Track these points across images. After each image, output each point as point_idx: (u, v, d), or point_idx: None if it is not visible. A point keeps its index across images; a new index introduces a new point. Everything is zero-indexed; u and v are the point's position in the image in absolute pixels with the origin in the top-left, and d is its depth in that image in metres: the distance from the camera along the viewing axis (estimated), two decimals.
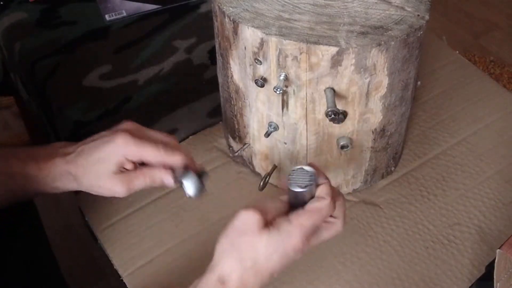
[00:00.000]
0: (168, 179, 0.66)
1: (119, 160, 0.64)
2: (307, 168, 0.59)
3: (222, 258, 0.58)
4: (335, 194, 0.60)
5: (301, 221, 0.58)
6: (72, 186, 0.67)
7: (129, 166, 0.66)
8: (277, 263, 0.58)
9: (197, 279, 0.58)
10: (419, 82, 0.78)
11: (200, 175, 0.66)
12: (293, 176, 0.59)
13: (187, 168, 0.65)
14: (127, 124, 0.67)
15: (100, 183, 0.66)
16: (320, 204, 0.59)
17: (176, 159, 0.65)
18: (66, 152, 0.66)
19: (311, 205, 0.59)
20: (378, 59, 0.64)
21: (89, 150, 0.65)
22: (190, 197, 0.66)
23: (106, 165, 0.64)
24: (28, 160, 0.66)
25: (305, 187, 0.58)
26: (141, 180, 0.66)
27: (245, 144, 0.80)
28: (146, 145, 0.64)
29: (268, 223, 0.57)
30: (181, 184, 0.65)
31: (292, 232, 0.57)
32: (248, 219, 0.57)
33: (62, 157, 0.66)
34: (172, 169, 0.66)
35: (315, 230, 0.59)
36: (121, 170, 0.66)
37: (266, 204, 0.59)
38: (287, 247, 0.57)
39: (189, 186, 0.65)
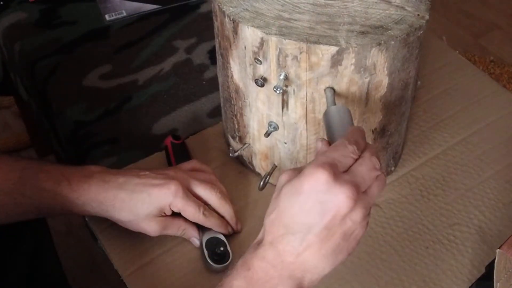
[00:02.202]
0: (195, 242, 0.72)
1: (164, 207, 0.67)
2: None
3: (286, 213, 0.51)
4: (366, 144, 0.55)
5: (322, 158, 0.50)
6: (102, 213, 0.68)
7: (168, 213, 0.69)
8: (322, 218, 0.49)
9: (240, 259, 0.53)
10: (419, 82, 0.78)
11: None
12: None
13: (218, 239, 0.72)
14: (186, 166, 0.73)
15: (137, 221, 0.67)
16: (344, 140, 0.53)
17: (208, 225, 0.70)
18: (105, 180, 0.67)
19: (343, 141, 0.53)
20: (378, 58, 0.64)
21: (135, 187, 0.66)
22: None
23: (150, 207, 0.66)
24: (60, 179, 0.66)
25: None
26: (174, 230, 0.70)
27: (245, 144, 0.80)
28: (190, 203, 0.68)
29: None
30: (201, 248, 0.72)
31: (313, 173, 0.49)
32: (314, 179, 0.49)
33: (99, 184, 0.66)
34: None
35: (344, 166, 0.51)
36: (161, 214, 0.68)
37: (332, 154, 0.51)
38: (329, 207, 0.48)
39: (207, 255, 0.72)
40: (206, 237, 0.72)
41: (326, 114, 0.62)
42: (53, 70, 0.99)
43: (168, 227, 0.69)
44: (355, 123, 0.71)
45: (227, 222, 0.73)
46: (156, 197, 0.66)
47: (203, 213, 0.69)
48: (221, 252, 0.72)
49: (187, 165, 0.75)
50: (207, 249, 0.71)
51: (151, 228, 0.69)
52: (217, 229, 0.72)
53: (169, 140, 0.83)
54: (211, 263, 0.71)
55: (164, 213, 0.69)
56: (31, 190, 0.66)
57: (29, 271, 0.84)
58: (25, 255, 0.84)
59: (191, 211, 0.68)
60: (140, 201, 0.66)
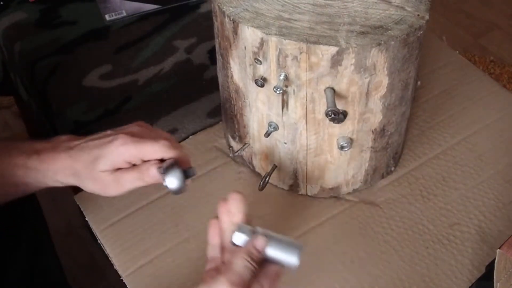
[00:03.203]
0: (152, 171, 0.65)
1: (115, 160, 0.65)
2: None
3: None
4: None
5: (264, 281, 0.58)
6: (72, 181, 0.67)
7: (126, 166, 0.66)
8: None
9: None
10: (419, 82, 0.78)
11: (186, 172, 0.65)
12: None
13: (175, 164, 0.65)
14: (133, 127, 0.68)
15: (95, 181, 0.66)
16: (278, 270, 0.60)
17: (173, 154, 0.65)
18: (69, 146, 0.67)
19: (273, 268, 0.59)
20: (378, 59, 0.64)
21: (90, 147, 0.66)
22: (170, 191, 0.65)
23: (102, 164, 0.65)
24: (30, 153, 0.67)
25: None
26: (129, 175, 0.66)
27: (245, 144, 0.80)
28: (144, 143, 0.65)
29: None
30: (163, 178, 0.65)
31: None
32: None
33: (65, 151, 0.66)
34: (159, 163, 0.66)
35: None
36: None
37: (245, 275, 0.57)
38: None
39: (171, 181, 0.64)
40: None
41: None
42: (53, 70, 0.99)
43: (123, 177, 0.65)
44: (355, 123, 0.71)
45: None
46: (106, 153, 0.65)
47: (162, 145, 0.64)
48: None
49: (134, 127, 0.69)
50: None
51: (109, 185, 0.66)
52: (181, 157, 0.66)
53: None
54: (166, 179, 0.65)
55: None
56: (5, 167, 0.66)
57: (29, 271, 0.84)
58: (25, 255, 0.84)
59: (148, 148, 0.64)
60: (94, 159, 0.65)
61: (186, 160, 0.66)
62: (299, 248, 0.60)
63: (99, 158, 0.65)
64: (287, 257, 0.59)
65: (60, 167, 0.66)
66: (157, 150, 0.65)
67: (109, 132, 0.67)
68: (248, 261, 0.57)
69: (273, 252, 0.59)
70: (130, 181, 0.66)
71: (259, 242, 0.59)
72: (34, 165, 0.66)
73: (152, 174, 0.65)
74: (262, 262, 0.59)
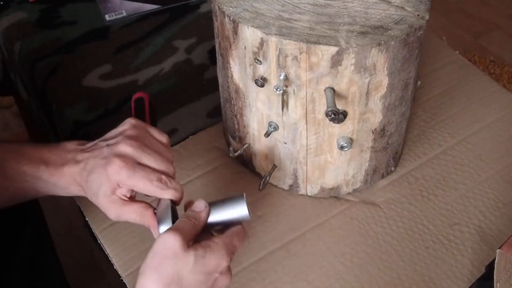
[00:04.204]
0: (149, 219, 0.65)
1: (112, 186, 0.64)
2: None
3: (145, 285, 0.57)
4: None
5: (225, 240, 0.60)
6: (83, 194, 0.68)
7: (124, 191, 0.65)
8: (204, 283, 0.58)
9: None
10: (419, 82, 0.78)
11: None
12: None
13: (168, 210, 0.64)
14: (130, 129, 0.66)
15: (98, 201, 0.66)
16: (239, 228, 0.62)
17: (166, 196, 0.65)
18: (76, 160, 0.66)
19: (233, 228, 0.62)
20: (378, 59, 0.64)
21: (91, 168, 0.65)
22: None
23: (102, 187, 0.64)
24: (39, 163, 0.66)
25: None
26: (131, 214, 0.66)
27: (245, 144, 0.80)
28: (138, 178, 0.63)
29: (189, 243, 0.58)
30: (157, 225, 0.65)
31: (217, 251, 0.58)
32: (168, 242, 0.57)
33: (72, 166, 0.66)
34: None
35: (234, 253, 0.61)
36: (118, 195, 0.65)
37: (183, 225, 0.60)
38: (212, 266, 0.58)
39: (163, 230, 0.63)
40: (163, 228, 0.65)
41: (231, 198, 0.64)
42: (53, 70, 0.99)
43: (124, 211, 0.65)
44: (355, 123, 0.71)
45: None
46: (103, 177, 0.64)
47: (155, 186, 0.64)
48: None
49: (131, 131, 0.67)
50: None
51: (109, 211, 0.66)
52: (176, 198, 0.66)
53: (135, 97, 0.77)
54: None
55: (126, 196, 0.65)
56: (15, 174, 0.66)
57: (29, 271, 0.84)
58: (25, 255, 0.84)
59: (141, 186, 0.64)
60: (94, 181, 0.64)
61: (179, 198, 0.66)
62: (242, 198, 0.63)
63: (98, 181, 0.64)
64: (237, 212, 0.63)
65: (68, 182, 0.66)
66: (150, 191, 0.64)
67: (110, 140, 0.66)
68: (183, 219, 0.61)
69: (222, 213, 0.63)
70: (128, 218, 0.66)
71: (197, 203, 0.63)
72: (44, 176, 0.66)
73: (149, 220, 0.65)
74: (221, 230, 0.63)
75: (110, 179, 0.63)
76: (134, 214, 0.65)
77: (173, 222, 0.62)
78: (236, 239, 0.61)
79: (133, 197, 0.67)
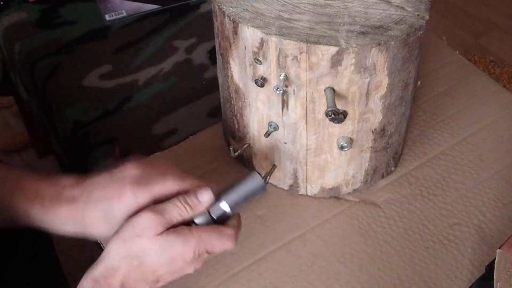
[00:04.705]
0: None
1: (129, 214, 0.61)
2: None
3: (110, 252, 0.58)
4: (239, 226, 0.64)
5: (202, 234, 0.59)
6: (82, 234, 0.64)
7: None
8: (165, 266, 0.58)
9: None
10: (419, 82, 0.78)
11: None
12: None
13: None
14: (131, 169, 0.63)
15: (111, 228, 0.62)
16: (227, 231, 0.61)
17: (186, 185, 0.63)
18: (72, 197, 0.62)
19: (220, 228, 0.61)
20: (378, 59, 0.64)
21: (96, 203, 0.62)
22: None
23: (117, 220, 0.61)
24: (34, 199, 0.63)
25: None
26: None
27: (245, 144, 0.80)
28: (153, 184, 0.61)
29: (168, 228, 0.58)
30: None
31: (188, 241, 0.58)
32: (147, 223, 0.58)
33: (68, 204, 0.62)
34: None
35: (209, 251, 0.60)
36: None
37: (170, 209, 0.59)
38: (177, 254, 0.58)
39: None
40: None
41: (248, 180, 0.63)
42: (53, 70, 0.99)
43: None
44: (355, 123, 0.71)
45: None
46: (116, 210, 0.61)
47: (172, 180, 0.62)
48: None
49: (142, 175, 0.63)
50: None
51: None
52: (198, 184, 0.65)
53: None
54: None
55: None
56: (8, 206, 0.63)
57: (29, 271, 0.84)
58: (25, 256, 0.84)
59: (159, 188, 0.61)
60: (106, 216, 0.61)
61: (198, 185, 0.64)
62: (254, 172, 0.64)
63: (111, 216, 0.61)
64: (253, 187, 0.63)
65: (65, 220, 0.63)
66: (169, 188, 0.62)
67: (109, 186, 0.62)
68: (180, 201, 0.60)
69: (240, 193, 0.63)
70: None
71: (204, 193, 0.62)
72: (38, 215, 0.63)
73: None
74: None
75: (127, 208, 0.61)
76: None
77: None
78: (216, 239, 0.60)
79: None
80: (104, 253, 0.58)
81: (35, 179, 0.65)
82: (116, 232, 0.59)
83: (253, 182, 0.63)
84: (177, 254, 0.58)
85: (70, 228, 0.64)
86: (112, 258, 0.58)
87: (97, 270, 0.58)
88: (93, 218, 0.62)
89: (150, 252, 0.57)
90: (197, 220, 0.62)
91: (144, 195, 0.61)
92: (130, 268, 0.57)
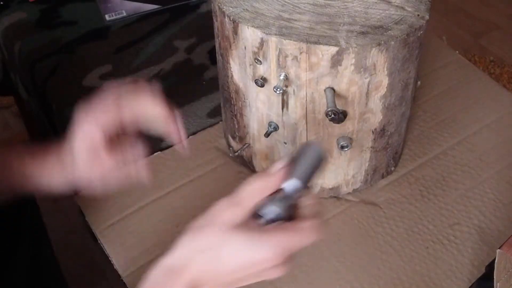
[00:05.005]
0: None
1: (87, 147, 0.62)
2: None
3: (183, 241, 0.54)
4: (316, 213, 0.56)
5: (281, 240, 0.52)
6: (71, 181, 0.65)
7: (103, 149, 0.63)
8: (244, 269, 0.52)
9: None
10: (419, 82, 0.78)
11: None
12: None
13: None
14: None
15: (79, 173, 0.64)
16: (305, 225, 0.54)
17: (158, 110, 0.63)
18: (59, 147, 0.65)
19: (297, 225, 0.53)
20: (378, 59, 0.64)
21: (75, 143, 0.63)
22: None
23: (79, 154, 0.62)
24: (26, 157, 0.66)
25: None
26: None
27: (245, 144, 0.80)
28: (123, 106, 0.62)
29: (245, 220, 0.52)
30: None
31: (266, 248, 0.52)
32: (224, 210, 0.53)
33: (55, 152, 0.65)
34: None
35: (293, 250, 0.53)
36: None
37: (245, 193, 0.54)
38: (255, 258, 0.52)
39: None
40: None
41: (306, 150, 0.57)
42: (53, 70, 0.99)
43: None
44: (355, 123, 0.71)
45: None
46: (78, 143, 0.63)
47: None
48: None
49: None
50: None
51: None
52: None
53: None
54: None
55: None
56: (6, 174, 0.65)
57: (27, 272, 0.84)
58: (23, 256, 0.84)
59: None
60: (73, 150, 0.63)
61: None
62: (311, 143, 0.57)
63: (75, 149, 0.62)
64: (313, 156, 0.56)
65: (53, 165, 0.65)
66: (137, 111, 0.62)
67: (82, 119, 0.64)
68: (255, 181, 0.54)
69: (304, 165, 0.55)
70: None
71: (272, 167, 0.55)
72: (28, 170, 0.65)
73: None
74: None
75: (84, 140, 0.62)
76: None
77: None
78: (297, 237, 0.53)
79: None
80: (177, 241, 0.54)
81: (29, 146, 0.67)
82: (189, 226, 0.54)
83: (311, 151, 0.56)
84: (254, 259, 0.52)
85: (58, 176, 0.65)
86: (184, 247, 0.53)
87: (169, 259, 0.53)
88: (75, 157, 0.63)
89: (227, 247, 0.52)
90: (271, 209, 0.55)
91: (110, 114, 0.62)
92: (204, 262, 0.52)
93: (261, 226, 0.53)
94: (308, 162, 0.56)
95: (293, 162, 0.56)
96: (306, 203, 0.56)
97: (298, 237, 0.53)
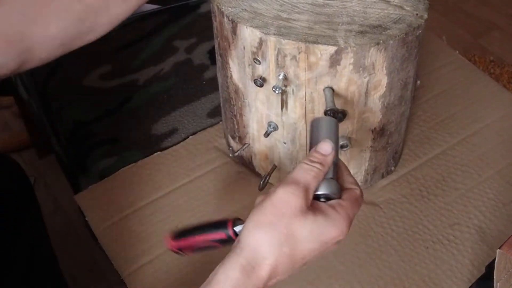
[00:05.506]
0: None
1: None
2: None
3: (254, 239, 0.51)
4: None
5: (348, 212, 0.54)
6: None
7: None
8: (315, 252, 0.53)
9: (220, 264, 0.52)
10: (418, 82, 0.78)
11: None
12: None
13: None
14: None
15: None
16: (358, 193, 0.56)
17: None
18: None
19: (352, 193, 0.56)
20: (377, 58, 0.64)
21: None
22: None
23: None
24: None
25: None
26: None
27: (245, 144, 0.80)
28: None
29: (309, 200, 0.53)
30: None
31: (339, 222, 0.53)
32: (287, 197, 0.52)
33: None
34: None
35: (352, 220, 0.56)
36: None
37: (302, 175, 0.53)
38: (329, 237, 0.53)
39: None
40: None
41: (317, 123, 0.59)
42: (53, 70, 0.99)
43: None
44: (355, 123, 0.71)
45: None
46: None
47: None
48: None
49: None
50: None
51: None
52: None
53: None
54: None
55: None
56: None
57: (26, 270, 0.84)
58: (22, 255, 0.84)
59: None
60: None
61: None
62: (321, 117, 0.59)
63: None
64: (330, 126, 0.58)
65: None
66: None
67: None
68: (306, 163, 0.54)
69: (328, 135, 0.57)
70: None
71: (323, 144, 0.56)
72: None
73: None
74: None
75: None
76: None
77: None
78: (356, 207, 0.56)
79: None
80: (245, 238, 0.52)
81: None
82: (253, 214, 0.53)
83: (327, 122, 0.58)
84: (328, 238, 0.53)
85: None
86: (260, 245, 0.51)
87: (244, 258, 0.51)
88: None
89: (301, 236, 0.52)
90: (325, 185, 0.56)
91: None
92: (281, 257, 0.51)
93: (324, 205, 0.54)
94: (328, 129, 0.58)
95: (316, 136, 0.58)
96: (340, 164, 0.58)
97: (357, 205, 0.56)
